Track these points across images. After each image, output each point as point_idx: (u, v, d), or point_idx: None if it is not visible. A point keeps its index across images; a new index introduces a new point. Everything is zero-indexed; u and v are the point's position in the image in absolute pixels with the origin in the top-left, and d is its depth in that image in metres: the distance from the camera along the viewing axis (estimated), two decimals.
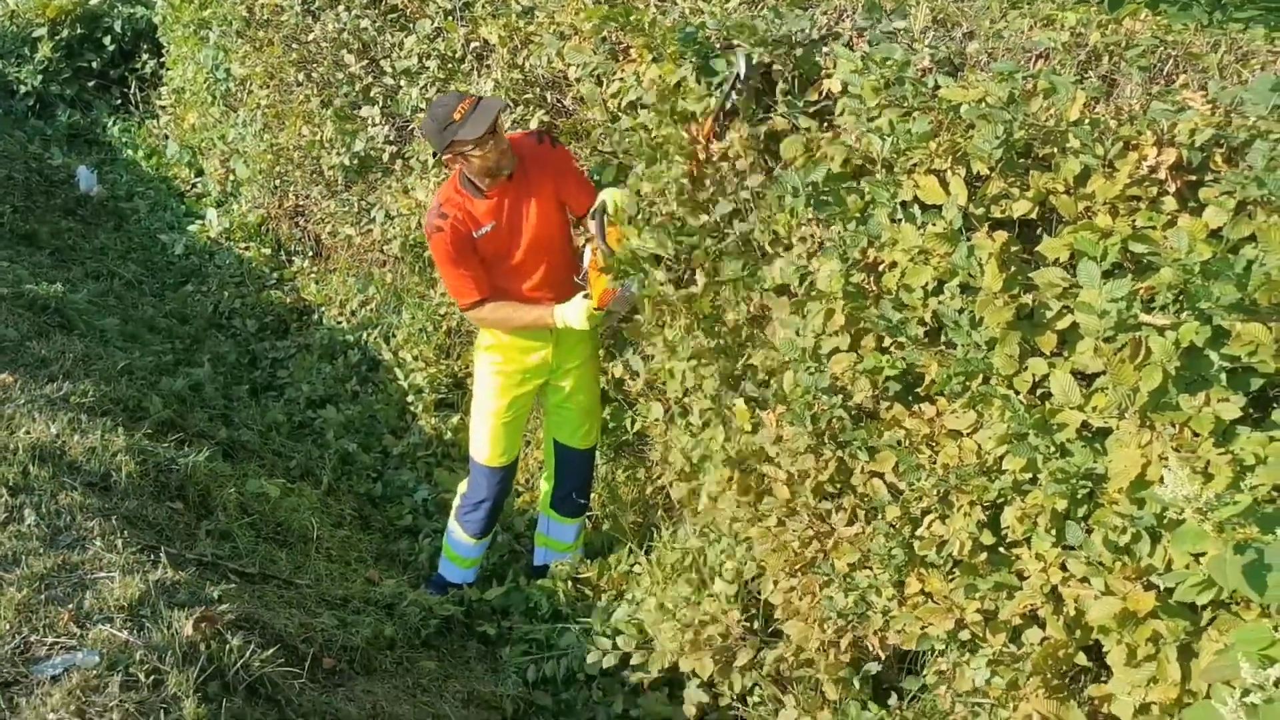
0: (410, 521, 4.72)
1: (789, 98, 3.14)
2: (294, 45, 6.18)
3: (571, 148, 4.10)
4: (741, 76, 3.14)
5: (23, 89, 9.35)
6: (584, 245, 3.77)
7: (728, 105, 3.20)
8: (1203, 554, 1.94)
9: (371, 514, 4.73)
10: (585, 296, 3.65)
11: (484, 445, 3.99)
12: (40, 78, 9.32)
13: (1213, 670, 1.95)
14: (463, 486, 4.13)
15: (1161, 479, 1.92)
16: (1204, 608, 2.15)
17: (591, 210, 3.57)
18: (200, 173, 8.13)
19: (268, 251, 6.99)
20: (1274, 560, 1.78)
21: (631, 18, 3.67)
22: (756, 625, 3.40)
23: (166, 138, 8.68)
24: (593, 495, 4.37)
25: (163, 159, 8.58)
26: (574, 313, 3.65)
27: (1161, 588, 2.21)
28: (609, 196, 3.53)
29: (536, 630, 3.94)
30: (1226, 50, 3.02)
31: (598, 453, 4.24)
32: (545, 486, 4.23)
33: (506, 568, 4.35)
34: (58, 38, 9.34)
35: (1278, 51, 3.05)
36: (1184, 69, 2.99)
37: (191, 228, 7.38)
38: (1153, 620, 2.18)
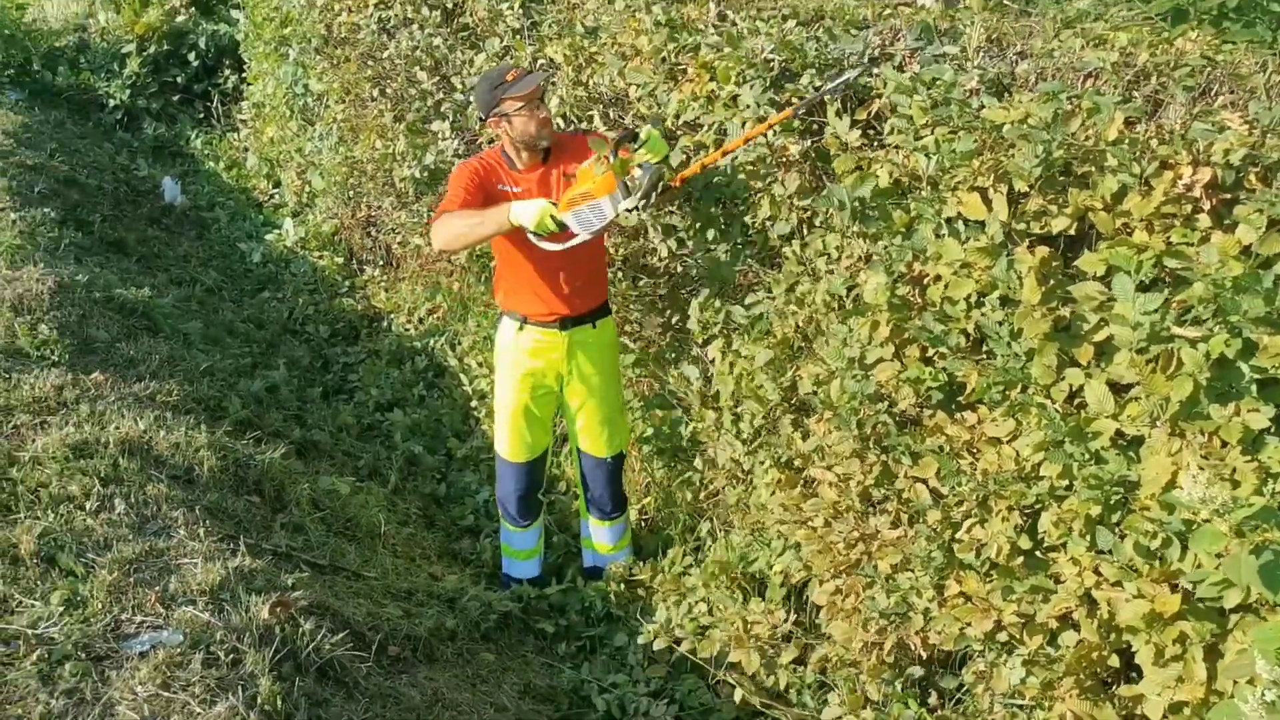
0: (472, 521, 4.90)
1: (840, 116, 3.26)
2: (369, 62, 6.43)
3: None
4: (849, 81, 3.16)
5: (112, 103, 9.78)
6: (575, 171, 3.53)
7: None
8: (1222, 555, 2.02)
9: (436, 513, 4.91)
10: (551, 202, 3.42)
11: (504, 441, 4.13)
12: (128, 92, 9.74)
13: (1233, 668, 2.03)
14: (497, 482, 4.29)
15: (1182, 483, 2.00)
16: (1231, 611, 2.22)
17: (619, 135, 3.34)
18: (278, 184, 8.44)
19: (340, 260, 7.25)
20: None
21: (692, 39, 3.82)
22: (802, 624, 3.52)
23: (246, 150, 9.02)
24: (647, 498, 4.50)
25: (243, 170, 8.92)
26: (530, 210, 3.38)
27: (1192, 590, 2.28)
28: (645, 130, 3.33)
29: (590, 630, 4.09)
30: (1275, 70, 3.08)
31: (635, 456, 4.35)
32: (583, 492, 4.36)
33: (565, 567, 4.51)
34: (145, 54, 9.76)
35: None
36: (1230, 89, 3.06)
37: (269, 237, 7.67)
38: (1180, 622, 2.25)
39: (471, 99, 4.98)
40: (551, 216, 3.36)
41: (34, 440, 3.67)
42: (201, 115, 9.89)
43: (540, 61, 4.91)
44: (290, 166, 8.07)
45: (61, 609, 2.89)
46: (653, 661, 3.89)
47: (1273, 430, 2.23)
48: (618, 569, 4.26)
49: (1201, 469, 2.07)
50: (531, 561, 4.36)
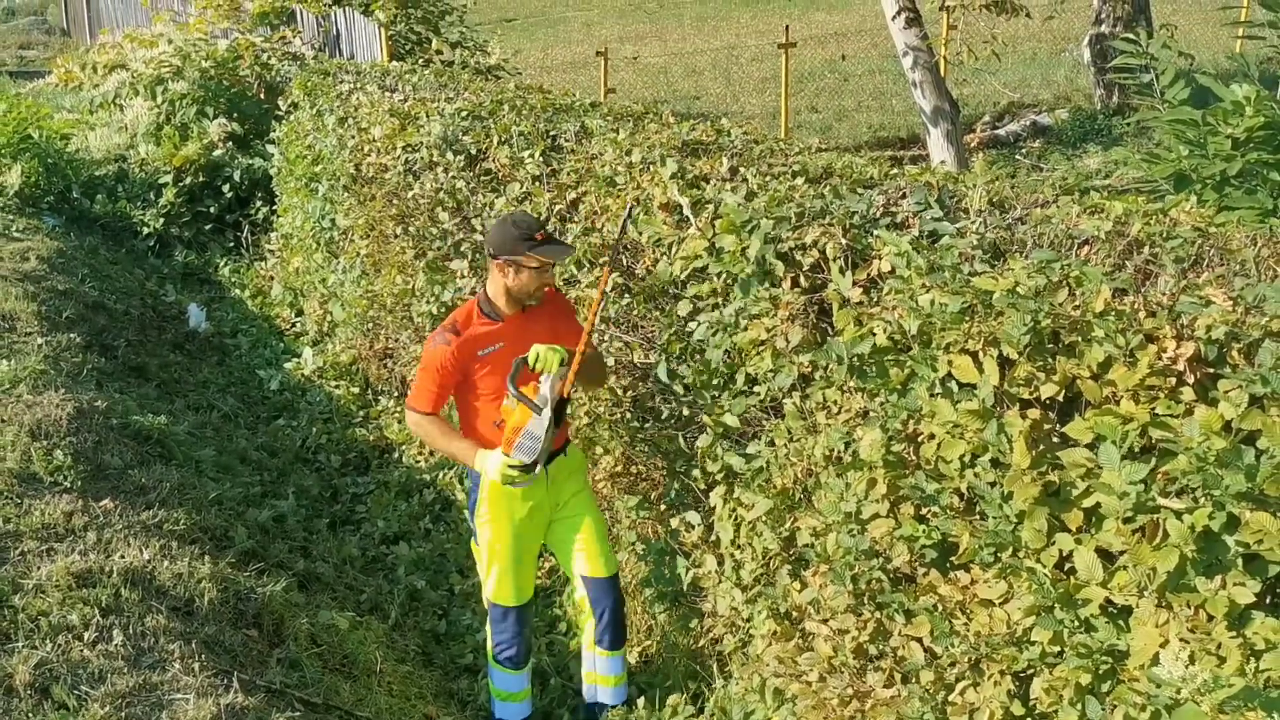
0: (471, 660, 4.85)
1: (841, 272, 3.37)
2: (394, 201, 6.66)
3: (642, 309, 4.37)
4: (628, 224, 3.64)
5: (145, 230, 10.10)
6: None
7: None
8: None
9: (435, 650, 4.88)
10: (505, 453, 3.79)
11: (494, 586, 4.10)
12: (162, 220, 10.08)
13: None
14: (489, 629, 4.22)
15: (1159, 659, 2.01)
16: None
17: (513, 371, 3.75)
18: (300, 313, 8.64)
19: (356, 390, 7.36)
20: None
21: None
22: None
23: (272, 279, 9.26)
24: (648, 641, 4.46)
25: (267, 299, 9.14)
26: (492, 462, 3.81)
27: None
28: (534, 351, 3.73)
29: None
30: (1264, 245, 3.18)
31: (636, 600, 4.33)
32: (586, 625, 4.30)
33: (559, 711, 4.45)
34: (181, 184, 10.13)
35: None
36: (1221, 261, 3.15)
37: (288, 365, 7.82)
38: None
39: (488, 231, 5.13)
40: (508, 465, 3.76)
41: (39, 568, 3.71)
42: (231, 244, 10.19)
43: (557, 207, 5.09)
44: (313, 296, 8.28)
45: None
46: None
47: (1260, 605, 2.24)
48: (618, 713, 4.20)
49: (1185, 643, 2.08)
50: (525, 703, 4.30)
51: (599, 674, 4.31)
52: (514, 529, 4.03)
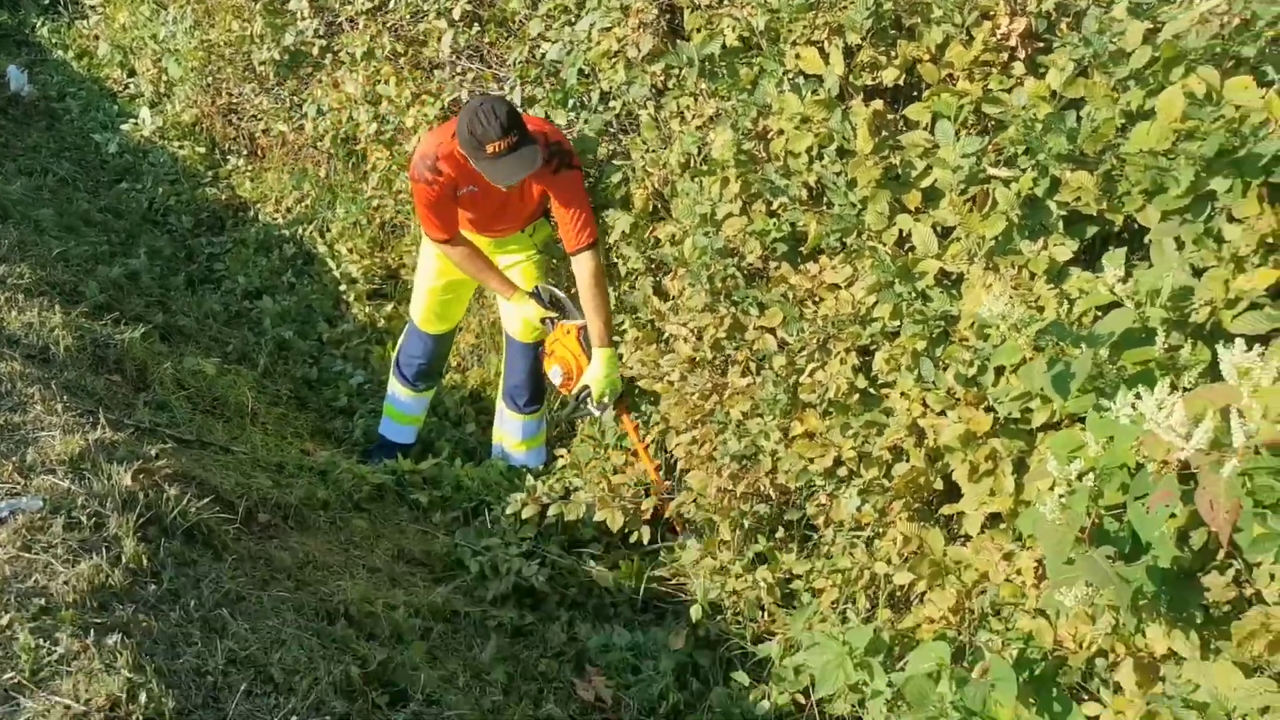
0: (345, 403, 4.92)
1: None
2: None
3: (493, 35, 4.22)
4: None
5: None
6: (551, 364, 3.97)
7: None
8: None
9: (308, 396, 4.92)
10: (546, 322, 3.91)
11: (420, 310, 4.24)
12: None
13: (1034, 474, 2.23)
14: (401, 339, 4.36)
15: (986, 303, 2.17)
16: (1038, 430, 2.43)
17: (577, 390, 3.84)
18: (132, 73, 8.09)
19: (202, 150, 7.03)
20: (1079, 370, 2.04)
21: None
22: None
23: (97, 38, 8.59)
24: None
25: (94, 60, 8.51)
26: (531, 315, 3.89)
27: (1003, 414, 2.48)
28: (596, 384, 3.71)
29: (465, 502, 4.18)
30: None
31: None
32: (500, 382, 4.40)
33: (438, 444, 4.58)
34: None
35: None
36: None
37: (125, 127, 7.38)
38: (991, 440, 2.45)
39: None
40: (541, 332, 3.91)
41: None
42: (48, 2, 9.35)
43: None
44: (145, 54, 7.73)
45: None
46: (524, 524, 4.02)
47: (1076, 263, 2.42)
48: (499, 462, 4.33)
49: (1010, 300, 2.24)
50: (411, 429, 4.44)
51: (504, 431, 4.42)
52: (452, 270, 4.06)
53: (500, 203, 3.77)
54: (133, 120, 7.41)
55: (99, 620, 2.53)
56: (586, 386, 3.73)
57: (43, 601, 2.53)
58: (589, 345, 3.73)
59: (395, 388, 4.38)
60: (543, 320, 3.89)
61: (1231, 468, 1.61)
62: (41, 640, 2.40)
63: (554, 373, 3.93)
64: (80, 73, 8.38)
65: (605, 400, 3.75)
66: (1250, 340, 1.72)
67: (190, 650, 2.59)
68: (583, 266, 3.62)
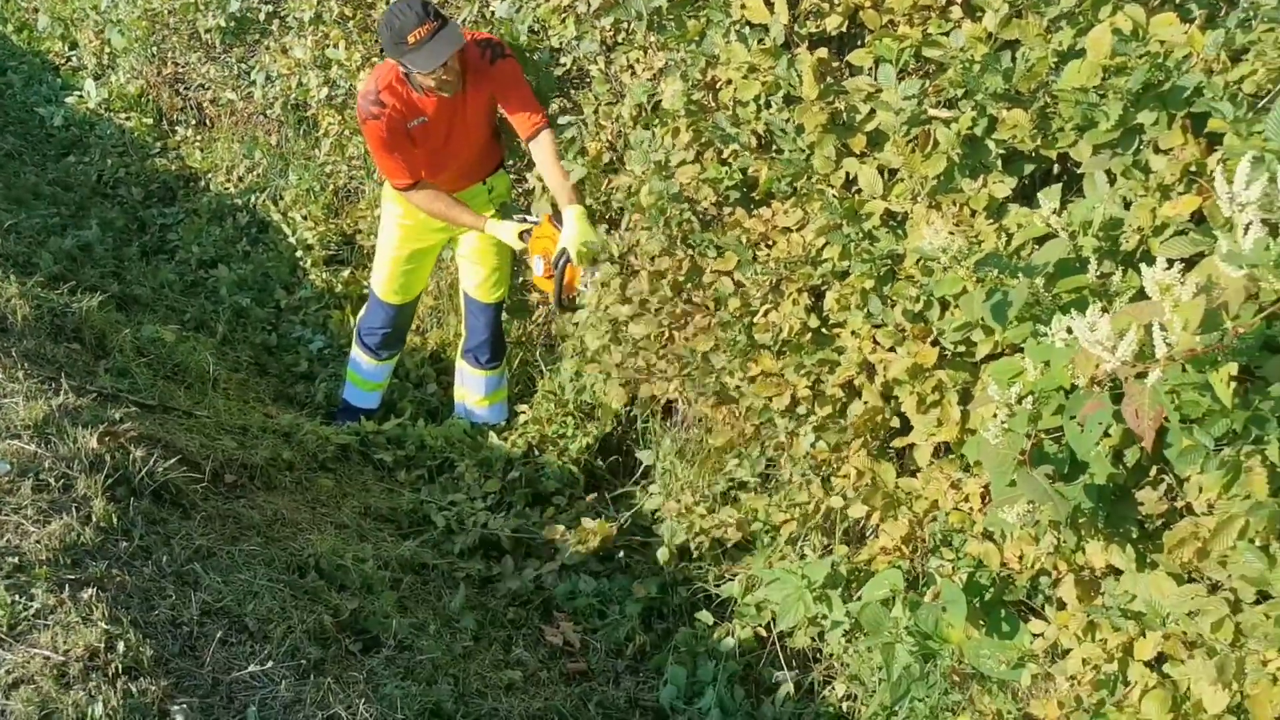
0: (306, 368, 4.95)
1: None
2: None
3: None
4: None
5: None
6: (529, 256, 3.85)
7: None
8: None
9: (268, 362, 4.94)
10: (523, 237, 3.80)
11: (382, 281, 4.23)
12: None
13: (977, 401, 2.33)
14: (363, 311, 4.38)
15: (926, 236, 2.26)
16: (981, 362, 2.53)
17: (556, 257, 3.60)
18: (74, 45, 7.96)
19: (150, 121, 6.97)
20: (1016, 298, 2.14)
21: None
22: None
23: (36, 10, 8.44)
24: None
25: (34, 33, 8.36)
26: (506, 233, 3.82)
27: (949, 348, 2.58)
28: (573, 243, 3.51)
29: (429, 460, 4.24)
30: None
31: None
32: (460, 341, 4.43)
33: (401, 405, 4.63)
34: None
35: None
36: None
37: (69, 100, 7.28)
38: (937, 372, 2.55)
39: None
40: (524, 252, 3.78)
41: None
42: None
43: None
44: (86, 25, 7.62)
45: None
46: (488, 479, 4.09)
47: (1014, 200, 2.52)
48: (459, 423, 4.38)
49: (951, 235, 2.33)
50: (375, 394, 4.47)
51: (464, 387, 4.46)
52: (414, 239, 4.07)
53: (447, 125, 3.71)
54: (77, 93, 7.31)
55: (73, 576, 2.58)
56: (564, 250, 3.56)
57: (15, 560, 2.57)
58: (560, 222, 3.62)
59: (358, 355, 4.40)
60: (521, 234, 3.81)
61: (1155, 377, 1.71)
62: (17, 596, 2.45)
63: (535, 263, 3.81)
64: (20, 46, 8.25)
65: (585, 261, 3.55)
66: (1173, 262, 1.82)
67: (165, 603, 2.65)
68: (542, 147, 3.61)
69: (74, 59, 7.94)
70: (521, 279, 4.49)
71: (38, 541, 2.64)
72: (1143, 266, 1.80)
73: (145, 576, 2.72)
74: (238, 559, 2.99)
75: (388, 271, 4.21)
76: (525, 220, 3.88)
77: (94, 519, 2.80)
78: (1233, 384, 1.72)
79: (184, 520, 3.09)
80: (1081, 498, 2.17)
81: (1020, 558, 2.56)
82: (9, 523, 2.70)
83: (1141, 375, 1.73)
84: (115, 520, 2.84)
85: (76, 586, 2.53)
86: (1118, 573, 2.34)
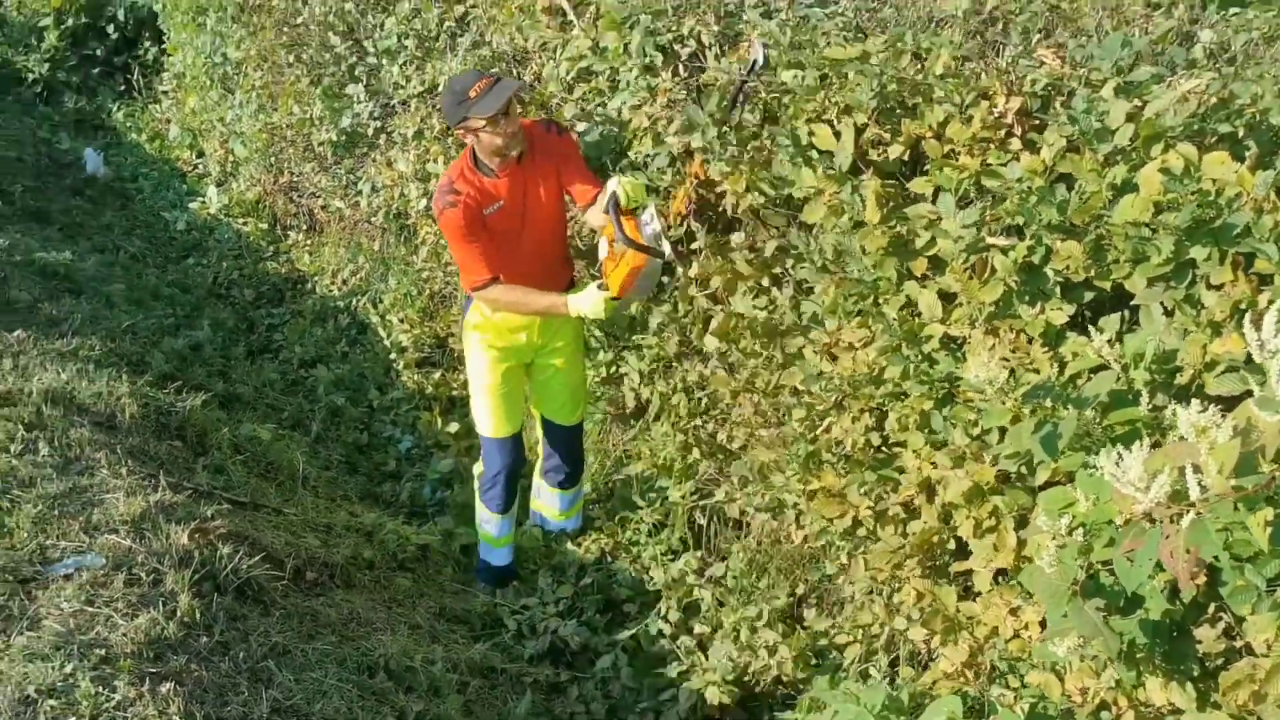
0: (394, 467, 5.11)
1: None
2: (284, 29, 6.56)
3: (531, 114, 4.46)
4: (759, 65, 3.23)
5: (30, 77, 9.76)
6: (599, 238, 3.78)
7: (742, 92, 3.32)
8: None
9: (358, 460, 5.12)
10: (601, 287, 3.59)
11: (487, 418, 4.10)
12: (47, 66, 9.72)
13: (1031, 529, 2.33)
14: (478, 467, 4.25)
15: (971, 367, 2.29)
16: (1040, 488, 2.52)
17: (605, 203, 3.48)
18: (201, 154, 8.52)
19: (264, 226, 7.39)
20: (1065, 430, 2.14)
21: None
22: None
23: (169, 121, 9.07)
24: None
25: (165, 142, 8.97)
26: (589, 302, 3.60)
27: (1009, 472, 2.58)
28: (619, 187, 3.43)
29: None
30: (1104, 14, 3.38)
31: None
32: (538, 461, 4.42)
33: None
34: (63, 27, 9.74)
35: (1148, 13, 3.41)
36: (1064, 29, 3.35)
37: (193, 205, 7.77)
38: (994, 497, 2.55)
39: (437, 108, 4.86)
40: (609, 300, 3.56)
41: None
42: (122, 88, 9.89)
43: (446, 23, 5.09)
44: (213, 136, 8.16)
45: None
46: (561, 584, 4.15)
47: (1072, 327, 2.53)
48: (536, 530, 4.43)
49: (1006, 362, 2.36)
50: (507, 549, 4.31)
51: (542, 503, 4.45)
52: (503, 360, 4.02)
53: (521, 206, 3.71)
54: (200, 199, 7.80)
55: (154, 670, 2.71)
56: (613, 194, 3.43)
57: (103, 652, 2.72)
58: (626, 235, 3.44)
59: (484, 514, 4.24)
60: (599, 285, 3.61)
61: (1189, 520, 1.70)
62: (101, 688, 2.58)
63: (600, 245, 3.69)
64: (152, 154, 8.84)
65: (636, 199, 3.42)
66: (1217, 400, 1.82)
67: (238, 699, 2.76)
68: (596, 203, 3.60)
69: (200, 166, 8.49)
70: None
71: (124, 634, 2.78)
72: (1178, 408, 1.80)
73: (222, 672, 2.84)
74: (311, 657, 3.10)
75: (489, 404, 4.07)
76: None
77: (179, 614, 2.94)
78: (1269, 528, 1.70)
79: (263, 617, 3.22)
80: (1137, 633, 2.14)
81: (1083, 690, 2.51)
82: (100, 615, 2.86)
83: (1177, 517, 1.72)
84: (198, 615, 2.97)
85: (156, 680, 2.65)
86: (1179, 711, 2.28)
